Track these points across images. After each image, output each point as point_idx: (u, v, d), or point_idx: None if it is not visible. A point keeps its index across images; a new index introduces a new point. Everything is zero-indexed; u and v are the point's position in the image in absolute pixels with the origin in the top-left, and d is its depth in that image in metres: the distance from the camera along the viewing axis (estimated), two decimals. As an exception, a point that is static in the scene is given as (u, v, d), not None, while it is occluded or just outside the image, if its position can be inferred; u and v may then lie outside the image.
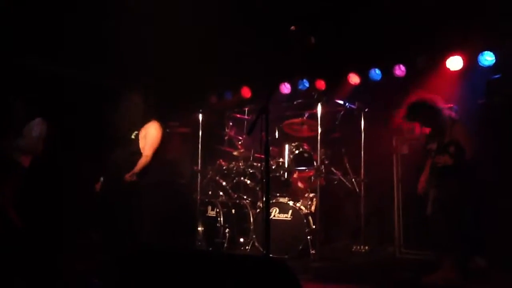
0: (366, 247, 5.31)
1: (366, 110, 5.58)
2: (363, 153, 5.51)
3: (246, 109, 6.39)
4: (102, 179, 4.73)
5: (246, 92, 7.11)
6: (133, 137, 4.72)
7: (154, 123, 4.81)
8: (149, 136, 4.72)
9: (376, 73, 6.19)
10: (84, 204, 5.02)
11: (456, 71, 5.61)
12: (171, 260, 2.53)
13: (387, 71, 6.10)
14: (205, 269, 2.40)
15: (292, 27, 3.59)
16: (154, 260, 2.55)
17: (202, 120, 5.85)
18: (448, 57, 5.62)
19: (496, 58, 5.38)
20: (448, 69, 5.64)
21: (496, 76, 5.40)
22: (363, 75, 6.27)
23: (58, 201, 5.20)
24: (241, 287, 2.24)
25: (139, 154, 4.64)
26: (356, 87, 6.30)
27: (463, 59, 5.56)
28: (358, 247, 5.34)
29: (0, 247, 4.22)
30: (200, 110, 5.91)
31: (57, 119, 4.88)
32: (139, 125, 4.76)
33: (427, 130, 4.57)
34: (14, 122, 4.64)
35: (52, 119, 4.76)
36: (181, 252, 2.69)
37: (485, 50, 5.43)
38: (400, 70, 6.00)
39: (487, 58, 5.43)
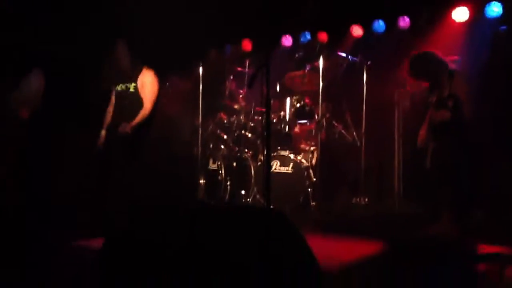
0: (366, 200, 5.37)
1: (368, 63, 5.50)
2: (365, 106, 5.47)
3: (247, 62, 6.29)
4: (103, 132, 4.71)
5: (246, 45, 7.00)
6: (132, 90, 4.67)
7: (148, 71, 4.72)
8: (146, 87, 4.65)
9: (379, 25, 6.06)
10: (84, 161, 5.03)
11: (462, 22, 5.49)
12: (169, 214, 2.57)
13: (391, 23, 5.97)
14: (204, 221, 2.43)
15: None
16: (156, 214, 2.59)
17: (202, 73, 5.79)
18: (454, 8, 5.48)
19: (503, 8, 5.25)
20: (454, 20, 5.51)
21: (503, 27, 5.29)
22: (367, 27, 6.15)
23: (59, 162, 5.17)
24: (240, 237, 2.28)
25: (141, 106, 4.61)
26: (359, 39, 6.20)
27: (469, 10, 5.43)
28: (358, 200, 5.40)
29: None
30: (200, 64, 5.83)
31: (54, 70, 4.80)
32: (132, 76, 4.69)
33: (426, 84, 4.51)
34: (9, 73, 4.57)
35: (48, 70, 4.68)
36: (180, 205, 2.72)
37: (492, 0, 5.29)
38: (404, 22, 5.87)
39: (494, 9, 5.30)
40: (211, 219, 2.43)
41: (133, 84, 4.66)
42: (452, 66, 4.35)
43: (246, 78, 6.19)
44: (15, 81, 4.54)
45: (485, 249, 3.62)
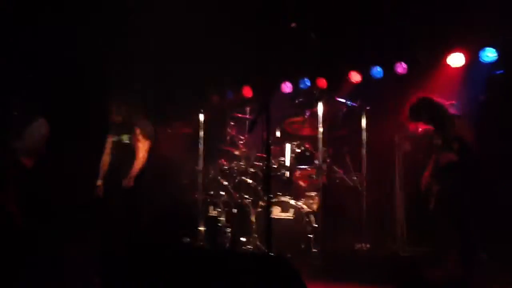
0: (369, 245, 5.30)
1: (367, 108, 5.56)
2: (365, 151, 5.49)
3: (248, 108, 6.37)
4: (99, 182, 4.80)
5: (247, 92, 7.11)
6: (127, 141, 4.80)
7: (142, 121, 4.88)
8: (139, 137, 4.87)
9: (377, 71, 6.18)
10: (84, 205, 5.06)
11: (458, 67, 5.59)
12: (172, 258, 2.54)
13: (389, 69, 6.08)
14: (206, 267, 2.40)
15: (293, 24, 3.59)
16: (155, 257, 2.56)
17: (203, 119, 5.85)
18: (450, 53, 5.60)
19: (498, 54, 5.36)
20: (450, 65, 5.62)
21: (498, 72, 5.38)
22: (365, 73, 6.26)
23: (58, 201, 5.21)
24: (242, 283, 2.24)
25: (134, 157, 4.72)
26: (357, 85, 6.29)
27: (464, 56, 5.55)
28: (361, 245, 5.33)
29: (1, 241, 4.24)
30: (202, 110, 5.90)
31: (58, 118, 4.88)
32: (127, 127, 4.83)
33: (431, 127, 4.55)
34: (13, 121, 4.63)
35: (52, 118, 4.76)
36: (181, 249, 2.69)
37: (487, 46, 5.41)
38: (401, 68, 5.99)
39: (489, 55, 5.41)
40: (211, 265, 2.40)
41: (127, 135, 4.80)
42: (452, 110, 4.41)
43: (246, 124, 6.24)
44: (19, 131, 4.60)
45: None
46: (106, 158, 4.99)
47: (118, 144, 4.89)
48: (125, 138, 4.86)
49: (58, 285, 4.03)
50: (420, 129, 4.84)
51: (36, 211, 4.70)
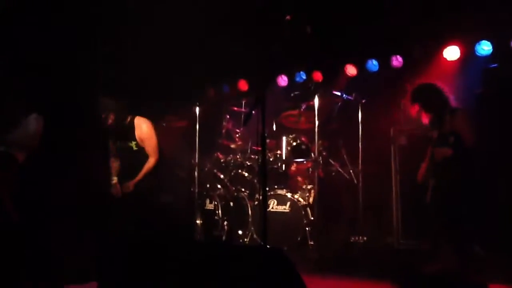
0: (365, 238, 5.31)
1: (363, 101, 5.56)
2: (361, 144, 5.50)
3: (243, 101, 6.36)
4: (115, 180, 4.95)
5: (243, 85, 7.10)
6: (135, 148, 4.90)
7: (140, 122, 4.93)
8: (145, 140, 4.92)
9: (373, 64, 6.18)
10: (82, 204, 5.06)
11: (453, 61, 5.60)
12: (168, 251, 2.53)
13: (384, 62, 6.08)
14: (202, 260, 2.40)
15: (288, 17, 3.57)
16: (152, 251, 2.56)
17: (199, 113, 5.84)
18: (445, 47, 5.60)
19: (492, 47, 5.37)
20: (445, 59, 5.62)
21: (493, 65, 5.39)
22: (360, 66, 6.25)
23: (52, 199, 5.19)
24: (238, 276, 2.24)
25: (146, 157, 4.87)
26: (353, 78, 6.29)
27: (460, 49, 5.55)
28: (356, 238, 5.34)
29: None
30: (197, 103, 5.89)
31: (53, 115, 4.85)
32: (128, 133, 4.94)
33: (426, 119, 4.54)
34: (8, 115, 4.59)
35: (47, 115, 4.73)
36: (177, 242, 2.69)
37: (482, 40, 5.42)
38: (397, 61, 5.99)
39: (484, 48, 5.42)
40: (209, 258, 2.40)
41: (134, 142, 4.85)
42: (454, 103, 4.40)
43: (242, 117, 6.23)
44: (13, 124, 4.56)
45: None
46: (114, 160, 5.08)
47: (126, 151, 5.00)
48: (133, 145, 4.97)
49: (54, 283, 4.01)
50: (414, 118, 4.83)
51: (29, 207, 4.67)
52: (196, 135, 5.76)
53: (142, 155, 4.96)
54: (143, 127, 4.95)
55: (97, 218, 4.82)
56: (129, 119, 4.97)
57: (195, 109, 5.84)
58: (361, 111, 5.53)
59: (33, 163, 4.62)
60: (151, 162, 4.91)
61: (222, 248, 2.71)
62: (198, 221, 5.67)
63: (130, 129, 4.96)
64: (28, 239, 4.38)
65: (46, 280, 4.04)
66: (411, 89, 4.56)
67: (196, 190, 5.75)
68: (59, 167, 5.06)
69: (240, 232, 5.53)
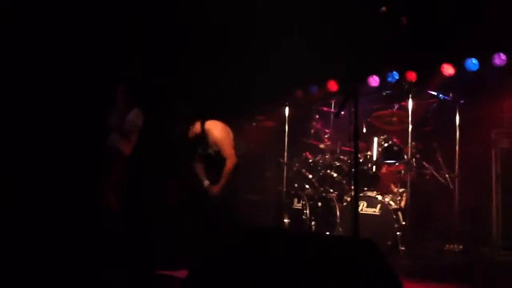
0: (460, 247, 5.03)
1: (461, 102, 5.28)
2: (458, 147, 5.22)
3: (333, 102, 6.31)
4: (207, 182, 5.10)
5: (332, 86, 7.04)
6: (213, 154, 5.03)
7: (211, 126, 5.05)
8: (218, 139, 5.00)
9: (472, 63, 5.85)
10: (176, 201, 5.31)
11: None
12: (261, 240, 2.60)
13: (485, 61, 5.73)
14: (295, 249, 2.44)
15: (383, 8, 3.47)
16: (248, 241, 2.64)
17: (288, 113, 5.87)
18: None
19: None
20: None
21: None
22: (458, 65, 5.94)
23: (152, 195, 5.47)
24: (329, 266, 2.26)
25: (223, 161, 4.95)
26: (450, 78, 5.99)
27: None
28: (451, 246, 5.07)
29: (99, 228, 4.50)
30: (287, 104, 5.93)
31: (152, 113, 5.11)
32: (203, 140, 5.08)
33: None
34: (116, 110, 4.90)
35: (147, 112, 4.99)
36: (272, 231, 2.76)
37: None
38: (500, 59, 5.61)
39: None
40: (301, 248, 2.43)
41: (212, 149, 5.02)
42: None
43: (331, 118, 6.18)
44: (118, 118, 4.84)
45: None
46: (198, 165, 5.21)
47: (207, 157, 5.12)
48: (211, 152, 5.08)
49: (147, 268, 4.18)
50: None
51: (131, 197, 4.95)
52: (285, 135, 5.80)
53: (221, 159, 5.03)
54: (214, 132, 5.04)
55: (192, 213, 5.02)
56: (200, 124, 5.08)
57: (284, 110, 5.88)
58: (458, 112, 5.25)
59: (137, 157, 4.93)
60: (228, 165, 4.94)
61: (313, 239, 2.74)
62: (285, 220, 5.71)
63: (204, 135, 5.08)
64: (128, 227, 4.64)
65: (139, 266, 4.24)
66: None
67: (284, 189, 5.79)
68: (160, 167, 5.38)
69: (327, 233, 5.49)
